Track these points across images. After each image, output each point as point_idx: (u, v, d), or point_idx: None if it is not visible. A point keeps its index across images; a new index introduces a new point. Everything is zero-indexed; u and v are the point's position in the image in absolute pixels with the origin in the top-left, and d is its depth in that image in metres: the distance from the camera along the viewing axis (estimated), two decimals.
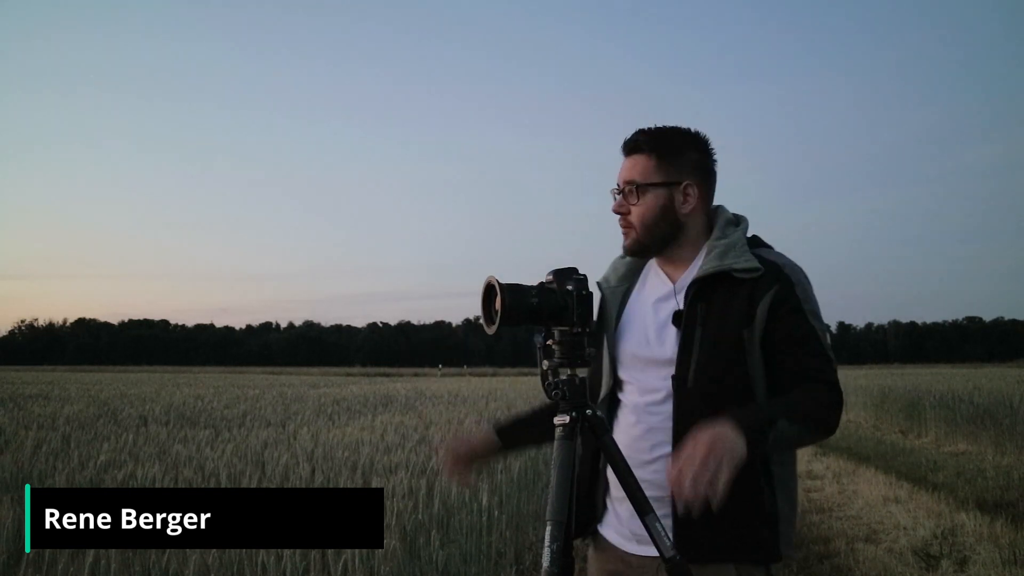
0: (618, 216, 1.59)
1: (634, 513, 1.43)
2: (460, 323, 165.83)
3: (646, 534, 1.40)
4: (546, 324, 1.48)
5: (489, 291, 1.44)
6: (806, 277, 1.53)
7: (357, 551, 2.95)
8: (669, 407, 1.51)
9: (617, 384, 1.63)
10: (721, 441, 1.23)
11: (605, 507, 1.64)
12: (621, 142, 1.61)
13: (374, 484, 4.12)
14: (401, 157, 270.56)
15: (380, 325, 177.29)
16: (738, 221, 1.62)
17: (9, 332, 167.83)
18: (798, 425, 1.39)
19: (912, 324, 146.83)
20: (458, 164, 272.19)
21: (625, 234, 1.59)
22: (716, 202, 1.64)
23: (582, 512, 1.60)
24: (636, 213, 1.56)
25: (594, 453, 1.63)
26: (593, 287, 1.52)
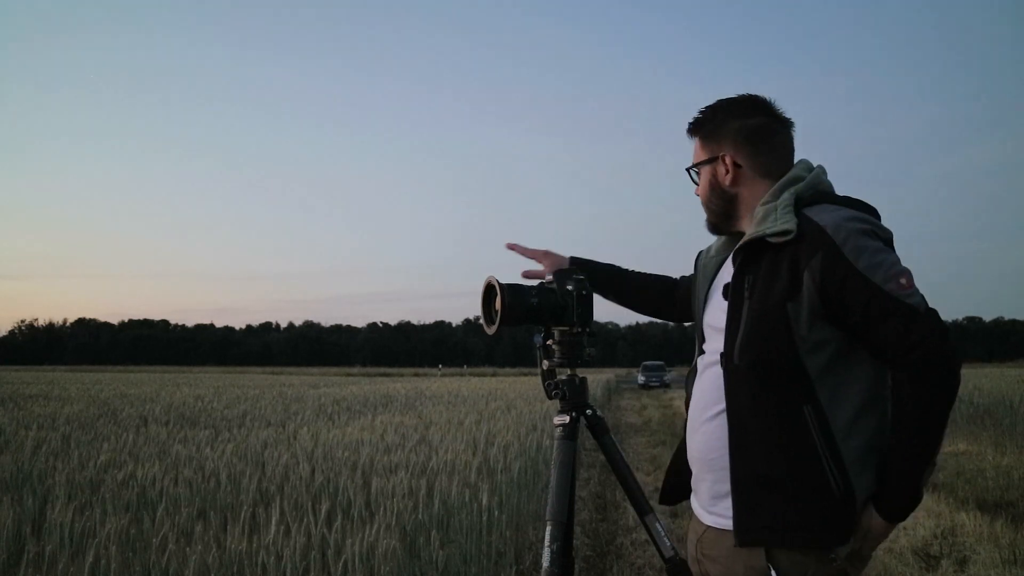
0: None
1: (709, 487, 1.48)
2: (460, 323, 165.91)
3: (715, 505, 1.47)
4: (546, 324, 1.48)
5: (489, 291, 1.44)
6: (859, 222, 1.38)
7: (357, 551, 2.95)
8: (711, 374, 1.50)
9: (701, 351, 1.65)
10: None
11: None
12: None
13: (374, 484, 4.11)
14: (401, 158, 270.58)
15: (380, 325, 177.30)
16: (802, 177, 1.50)
17: (9, 332, 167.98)
18: (932, 453, 1.34)
19: None
20: (458, 165, 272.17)
21: (706, 216, 1.64)
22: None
23: (678, 481, 1.67)
24: (701, 196, 1.61)
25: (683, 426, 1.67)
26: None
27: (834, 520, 1.36)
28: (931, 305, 1.35)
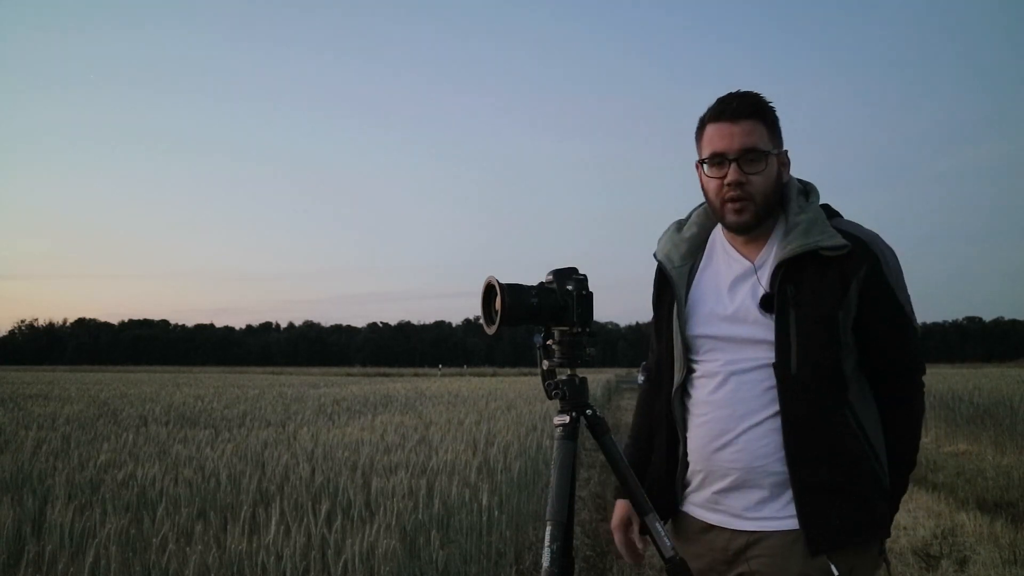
0: (729, 188, 1.47)
1: (747, 494, 1.48)
2: (460, 323, 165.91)
3: (759, 511, 1.46)
4: (546, 324, 1.48)
5: (489, 291, 1.43)
6: (888, 247, 1.47)
7: (357, 551, 2.95)
8: (744, 380, 1.48)
9: (692, 364, 1.57)
10: None
11: (685, 486, 1.61)
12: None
13: (374, 484, 4.11)
14: (401, 158, 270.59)
15: (380, 325, 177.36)
16: (808, 191, 1.53)
17: (9, 332, 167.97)
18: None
19: None
20: (458, 165, 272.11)
21: (741, 208, 1.47)
22: None
23: (662, 497, 1.60)
24: (758, 183, 1.46)
25: (669, 441, 1.62)
26: (592, 286, 1.50)
27: (888, 515, 1.47)
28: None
